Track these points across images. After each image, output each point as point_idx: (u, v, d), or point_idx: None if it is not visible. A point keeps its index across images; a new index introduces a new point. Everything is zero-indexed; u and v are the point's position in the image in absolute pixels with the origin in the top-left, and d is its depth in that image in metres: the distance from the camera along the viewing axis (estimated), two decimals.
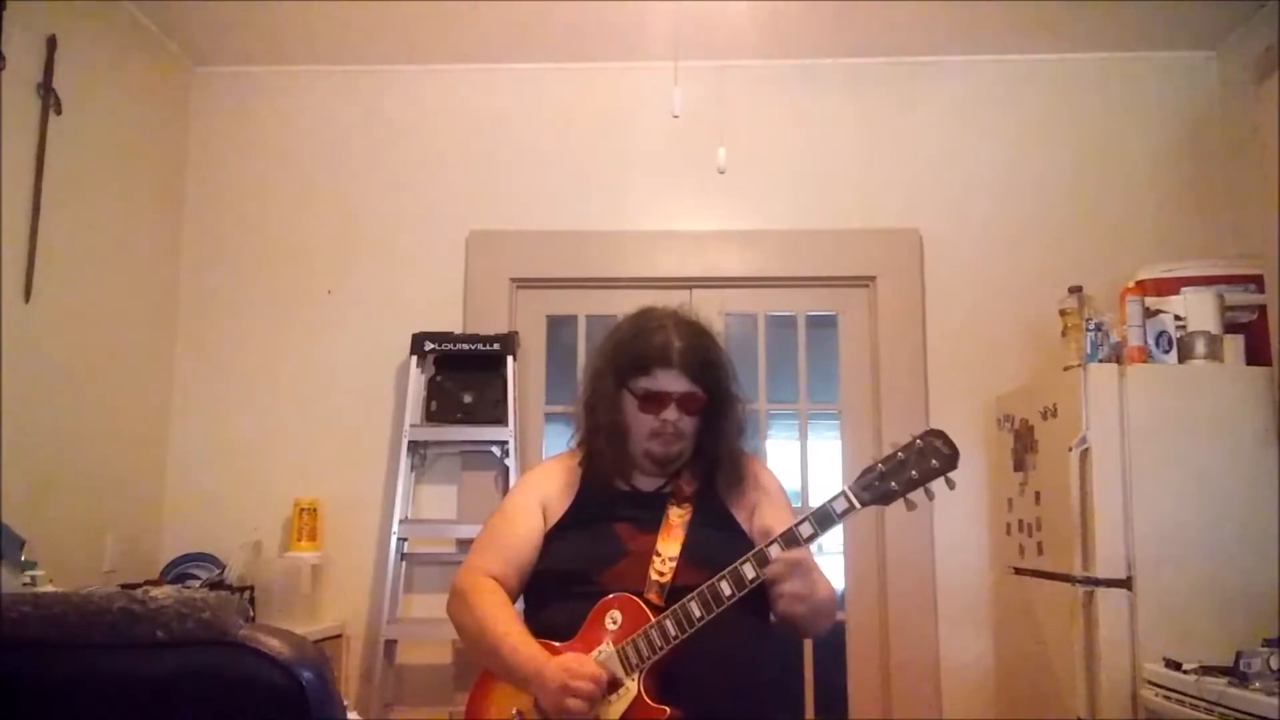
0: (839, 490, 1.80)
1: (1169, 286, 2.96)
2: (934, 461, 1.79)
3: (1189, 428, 2.69)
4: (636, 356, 1.91)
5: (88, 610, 1.04)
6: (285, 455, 3.60)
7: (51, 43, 2.98)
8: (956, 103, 3.70)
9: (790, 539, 1.77)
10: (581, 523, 1.95)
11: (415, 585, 3.53)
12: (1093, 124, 3.65)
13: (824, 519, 1.79)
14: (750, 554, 1.77)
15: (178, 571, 3.37)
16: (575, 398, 2.10)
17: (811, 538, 1.79)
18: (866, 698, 3.46)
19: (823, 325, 3.72)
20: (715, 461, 1.97)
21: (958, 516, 3.44)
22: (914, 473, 1.79)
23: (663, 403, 1.90)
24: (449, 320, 3.62)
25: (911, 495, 1.80)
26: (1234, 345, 2.84)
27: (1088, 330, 2.81)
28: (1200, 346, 2.79)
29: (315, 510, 3.47)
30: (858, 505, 1.79)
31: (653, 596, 1.81)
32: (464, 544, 3.38)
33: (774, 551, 1.76)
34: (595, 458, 1.97)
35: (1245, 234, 3.31)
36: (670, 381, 1.89)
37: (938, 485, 1.81)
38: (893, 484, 1.79)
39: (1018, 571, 3.11)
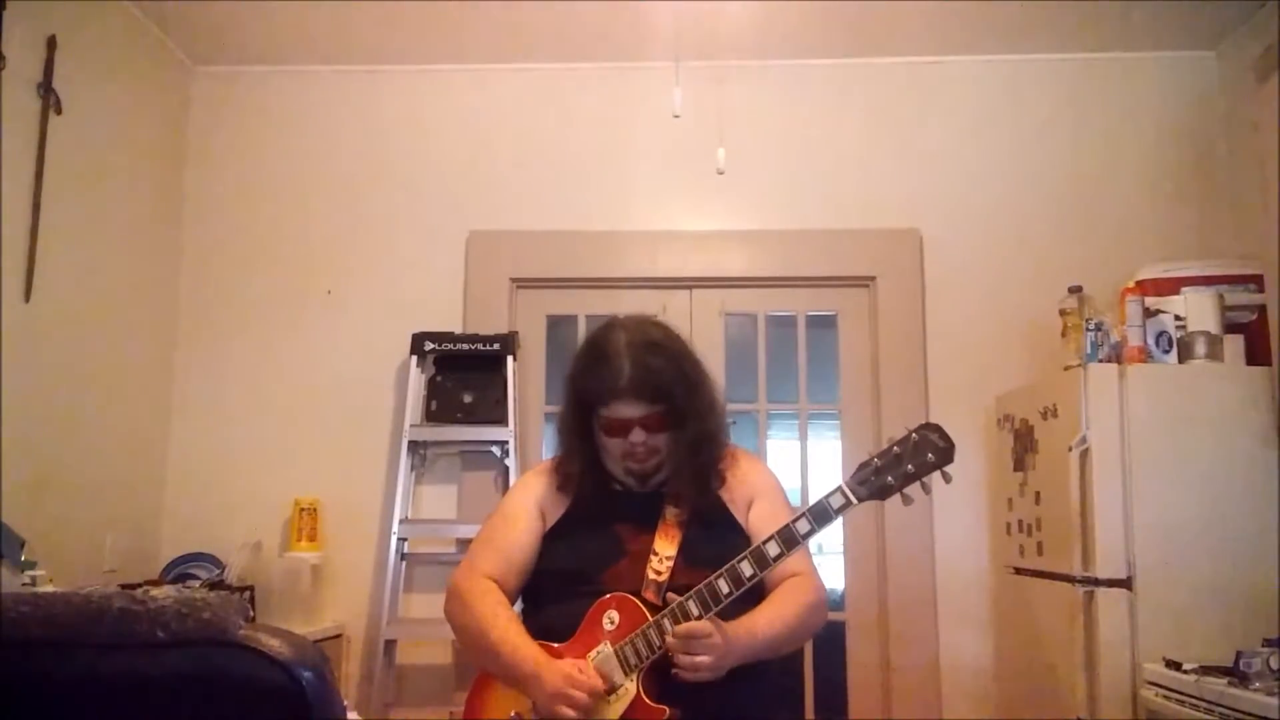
0: (835, 486, 1.79)
1: (1169, 286, 2.96)
2: (930, 455, 1.78)
3: (1189, 428, 2.69)
4: (592, 388, 1.91)
5: (88, 610, 1.03)
6: (285, 455, 3.60)
7: (51, 43, 2.97)
8: (956, 103, 3.70)
9: (787, 536, 1.77)
10: (581, 523, 1.95)
11: (415, 585, 3.53)
12: (1093, 124, 3.65)
13: (821, 515, 1.78)
14: (748, 551, 1.77)
15: (178, 571, 3.37)
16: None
17: (809, 534, 1.78)
18: (866, 698, 3.46)
19: (823, 325, 3.72)
20: (692, 466, 1.94)
21: (957, 516, 3.44)
22: (910, 467, 1.78)
23: (626, 428, 1.89)
24: (449, 320, 3.62)
25: (908, 490, 1.78)
26: (1234, 345, 2.84)
27: (1088, 330, 2.81)
28: (1200, 346, 2.79)
29: (315, 510, 3.47)
30: (854, 501, 1.78)
31: (650, 596, 1.81)
32: (464, 544, 3.37)
33: (771, 550, 1.76)
34: (580, 475, 1.96)
35: (1245, 234, 3.32)
36: (627, 408, 1.88)
37: (935, 479, 1.79)
38: (889, 479, 1.78)
39: (1018, 571, 3.11)
